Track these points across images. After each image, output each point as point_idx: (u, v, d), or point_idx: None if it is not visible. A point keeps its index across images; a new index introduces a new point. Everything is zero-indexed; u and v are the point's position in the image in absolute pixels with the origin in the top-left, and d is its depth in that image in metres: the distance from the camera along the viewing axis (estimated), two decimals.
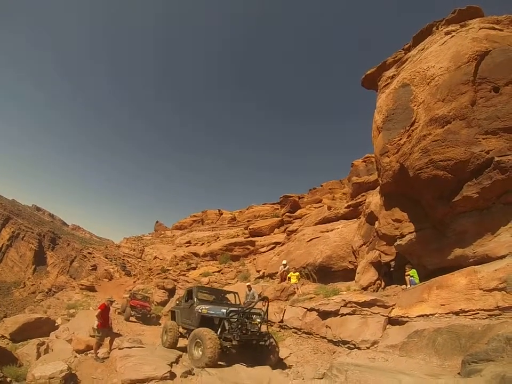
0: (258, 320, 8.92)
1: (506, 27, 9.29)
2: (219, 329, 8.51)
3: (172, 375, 7.38)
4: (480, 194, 7.85)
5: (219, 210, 62.89)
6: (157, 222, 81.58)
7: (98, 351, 8.51)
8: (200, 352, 8.02)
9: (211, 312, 9.15)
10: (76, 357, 8.36)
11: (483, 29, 9.05)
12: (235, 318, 8.49)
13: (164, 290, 24.67)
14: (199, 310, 9.39)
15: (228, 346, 8.40)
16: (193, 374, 8.07)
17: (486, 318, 6.74)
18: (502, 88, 8.02)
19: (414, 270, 10.13)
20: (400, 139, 9.98)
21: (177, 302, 12.67)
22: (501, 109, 7.83)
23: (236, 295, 11.73)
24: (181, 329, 10.63)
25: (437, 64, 9.07)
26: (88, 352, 8.86)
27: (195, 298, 10.06)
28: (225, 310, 8.73)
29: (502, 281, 6.76)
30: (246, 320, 8.59)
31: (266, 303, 8.90)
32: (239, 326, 8.33)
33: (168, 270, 31.52)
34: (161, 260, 45.27)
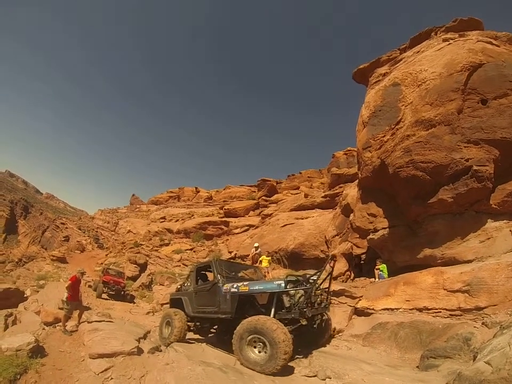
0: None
1: (504, 44, 9.49)
2: (272, 310, 6.33)
3: (139, 351, 7.37)
4: (454, 199, 8.11)
5: (196, 188, 62.49)
6: (133, 195, 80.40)
7: (66, 324, 8.28)
8: (265, 353, 5.78)
9: (256, 288, 6.73)
10: (44, 329, 8.10)
11: (481, 42, 9.19)
12: (296, 292, 6.52)
13: (136, 265, 24.63)
14: (234, 289, 7.01)
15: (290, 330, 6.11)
16: (161, 351, 8.12)
17: (447, 317, 7.08)
18: (490, 102, 8.25)
19: (384, 265, 10.48)
20: (384, 136, 10.10)
21: (179, 286, 9.96)
22: (486, 121, 8.07)
23: (257, 269, 9.47)
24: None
25: (430, 68, 9.17)
26: (56, 324, 8.61)
27: (218, 275, 7.60)
28: (281, 282, 6.44)
29: (466, 284, 7.11)
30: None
31: (333, 263, 6.81)
32: (307, 299, 6.31)
33: (141, 244, 31.36)
34: (134, 234, 44.97)
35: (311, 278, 6.77)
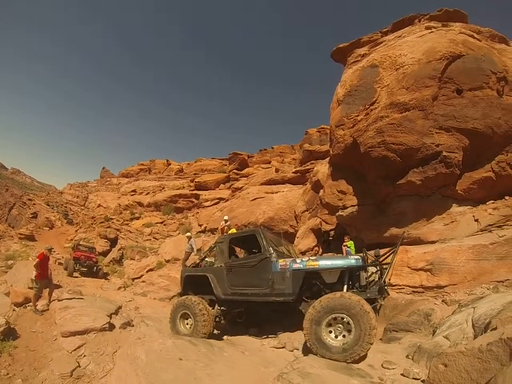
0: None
1: (485, 39, 9.68)
2: (345, 288, 5.59)
3: (111, 326, 7.40)
4: (423, 182, 8.43)
5: (167, 160, 61.14)
6: (103, 168, 77.15)
7: (37, 303, 8.04)
8: (347, 335, 4.90)
9: (329, 263, 5.79)
10: (14, 310, 7.76)
11: (463, 34, 9.30)
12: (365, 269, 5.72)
13: (106, 240, 24.31)
14: (297, 265, 5.91)
15: None
16: (132, 326, 8.16)
17: (410, 293, 7.57)
18: (465, 92, 8.48)
19: (352, 242, 10.80)
20: (358, 115, 10.14)
21: (198, 261, 8.39)
22: (459, 110, 8.32)
23: (291, 246, 8.58)
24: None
25: (410, 53, 9.22)
26: (27, 304, 8.34)
27: (270, 248, 6.40)
28: (358, 257, 5.69)
29: (429, 263, 7.58)
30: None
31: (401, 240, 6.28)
32: (383, 277, 5.65)
33: (111, 219, 30.81)
34: (105, 208, 43.96)
35: (384, 254, 6.21)
